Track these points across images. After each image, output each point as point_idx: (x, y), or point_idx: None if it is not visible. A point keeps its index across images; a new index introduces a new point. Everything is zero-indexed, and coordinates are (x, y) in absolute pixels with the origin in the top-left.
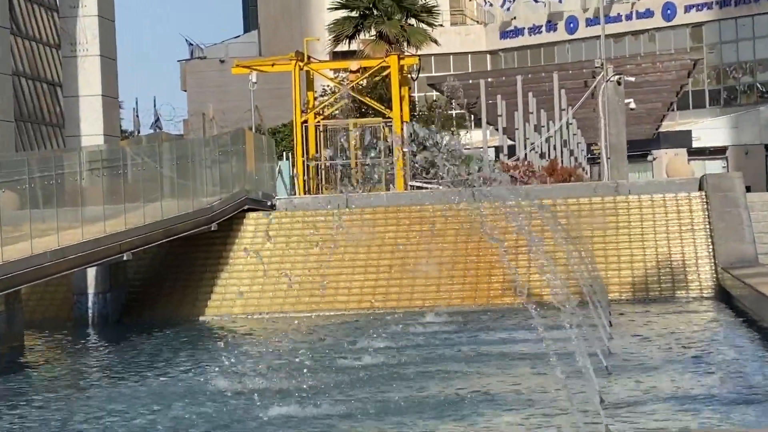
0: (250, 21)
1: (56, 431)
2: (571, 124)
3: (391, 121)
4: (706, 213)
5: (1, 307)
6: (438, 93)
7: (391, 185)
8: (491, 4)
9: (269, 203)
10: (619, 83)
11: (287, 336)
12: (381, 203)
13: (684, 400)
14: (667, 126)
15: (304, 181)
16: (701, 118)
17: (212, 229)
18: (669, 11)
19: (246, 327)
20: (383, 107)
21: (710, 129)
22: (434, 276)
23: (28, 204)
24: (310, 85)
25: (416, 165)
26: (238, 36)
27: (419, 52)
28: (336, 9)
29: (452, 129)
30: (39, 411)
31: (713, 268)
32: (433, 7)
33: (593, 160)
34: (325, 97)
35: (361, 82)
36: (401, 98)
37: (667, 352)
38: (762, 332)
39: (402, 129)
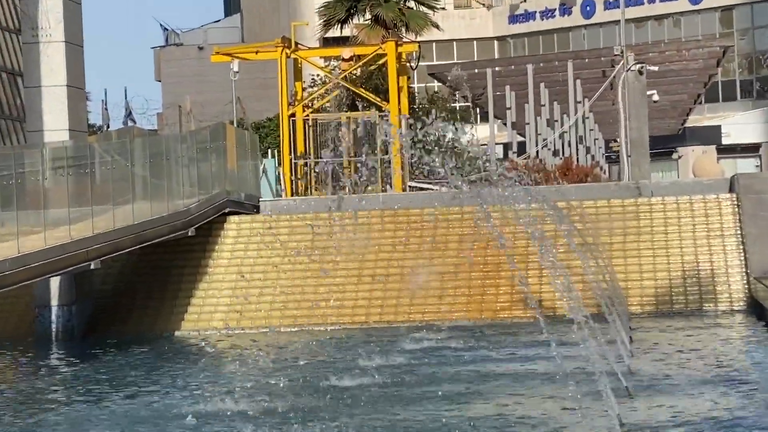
0: (231, 4)
1: None
2: (587, 118)
3: (387, 115)
4: (738, 217)
5: None
6: (440, 84)
7: (388, 186)
8: None
9: (252, 205)
10: (640, 73)
11: (269, 355)
12: (377, 206)
13: (712, 426)
14: (693, 120)
15: (291, 181)
16: (732, 112)
17: (189, 234)
18: None
19: (226, 343)
20: (379, 99)
21: (742, 124)
22: (436, 287)
23: None
24: (298, 74)
25: (421, 165)
26: (219, 20)
27: (419, 39)
28: None
29: (454, 123)
30: None
31: (745, 278)
32: None
33: (612, 158)
34: (315, 88)
35: (355, 72)
36: (399, 89)
37: (693, 371)
38: None
39: (400, 123)
